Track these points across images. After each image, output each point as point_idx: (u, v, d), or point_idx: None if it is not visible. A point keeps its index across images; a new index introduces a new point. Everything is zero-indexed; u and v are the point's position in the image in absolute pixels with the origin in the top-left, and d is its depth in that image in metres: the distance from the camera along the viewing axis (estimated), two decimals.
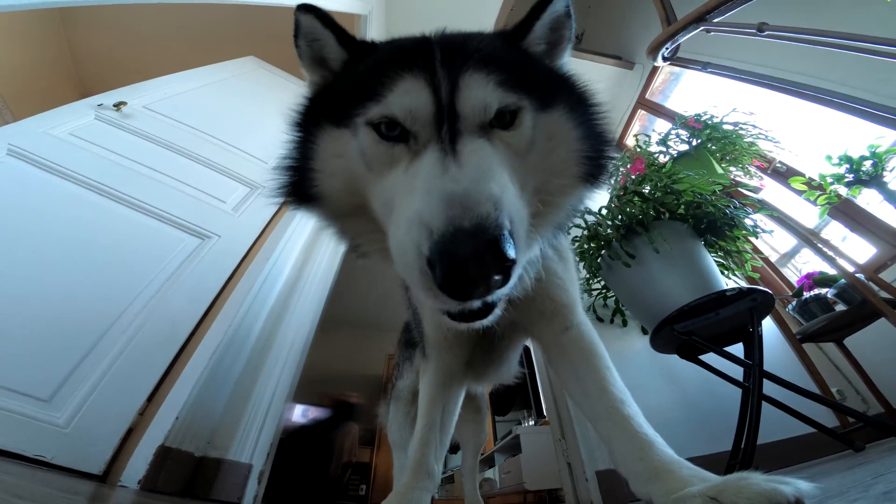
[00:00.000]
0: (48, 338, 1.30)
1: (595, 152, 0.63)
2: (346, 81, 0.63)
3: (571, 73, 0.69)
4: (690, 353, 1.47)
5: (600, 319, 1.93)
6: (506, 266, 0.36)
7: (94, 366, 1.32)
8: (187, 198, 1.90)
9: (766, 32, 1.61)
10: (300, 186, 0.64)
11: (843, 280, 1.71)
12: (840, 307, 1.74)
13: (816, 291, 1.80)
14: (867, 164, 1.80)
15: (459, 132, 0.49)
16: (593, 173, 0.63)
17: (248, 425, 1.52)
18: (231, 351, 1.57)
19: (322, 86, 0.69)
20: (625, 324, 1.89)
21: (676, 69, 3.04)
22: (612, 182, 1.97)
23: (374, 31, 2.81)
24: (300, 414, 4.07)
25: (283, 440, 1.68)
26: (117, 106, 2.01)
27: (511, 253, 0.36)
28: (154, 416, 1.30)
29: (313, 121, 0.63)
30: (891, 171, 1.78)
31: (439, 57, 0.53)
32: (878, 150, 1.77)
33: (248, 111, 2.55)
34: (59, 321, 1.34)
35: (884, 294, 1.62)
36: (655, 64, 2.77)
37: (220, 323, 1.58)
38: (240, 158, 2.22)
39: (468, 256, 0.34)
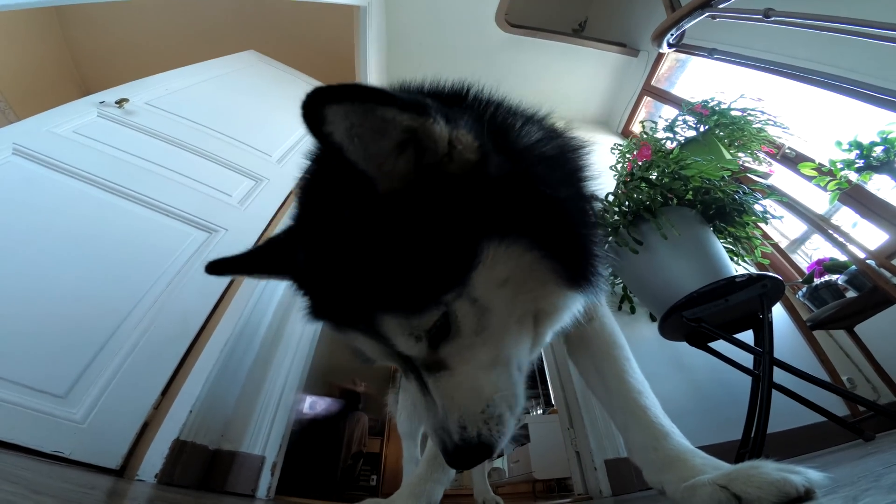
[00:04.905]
0: (61, 335, 1.31)
1: (569, 262, 0.51)
2: None
3: (474, 142, 0.44)
4: (699, 341, 1.46)
5: None
6: (488, 455, 0.49)
7: (107, 361, 1.33)
8: (193, 192, 1.90)
9: (773, 18, 1.58)
10: None
11: (853, 266, 1.69)
12: (851, 294, 1.72)
13: (827, 278, 1.79)
14: (878, 150, 1.78)
15: (419, 371, 0.51)
16: (578, 283, 0.52)
17: (260, 417, 1.53)
18: (241, 343, 1.58)
19: None
20: (633, 311, 1.88)
21: (682, 56, 2.99)
22: (619, 169, 1.95)
23: (374, 23, 2.77)
24: (310, 405, 4.09)
25: (294, 431, 1.69)
26: (119, 103, 2.01)
27: (490, 442, 0.48)
28: (168, 410, 1.30)
29: None
30: None
31: (350, 308, 0.48)
32: (889, 136, 1.75)
33: (250, 105, 2.54)
34: (71, 318, 1.35)
35: (895, 280, 1.60)
36: (661, 51, 2.72)
37: (229, 316, 1.58)
38: (244, 152, 2.22)
39: (460, 461, 0.48)
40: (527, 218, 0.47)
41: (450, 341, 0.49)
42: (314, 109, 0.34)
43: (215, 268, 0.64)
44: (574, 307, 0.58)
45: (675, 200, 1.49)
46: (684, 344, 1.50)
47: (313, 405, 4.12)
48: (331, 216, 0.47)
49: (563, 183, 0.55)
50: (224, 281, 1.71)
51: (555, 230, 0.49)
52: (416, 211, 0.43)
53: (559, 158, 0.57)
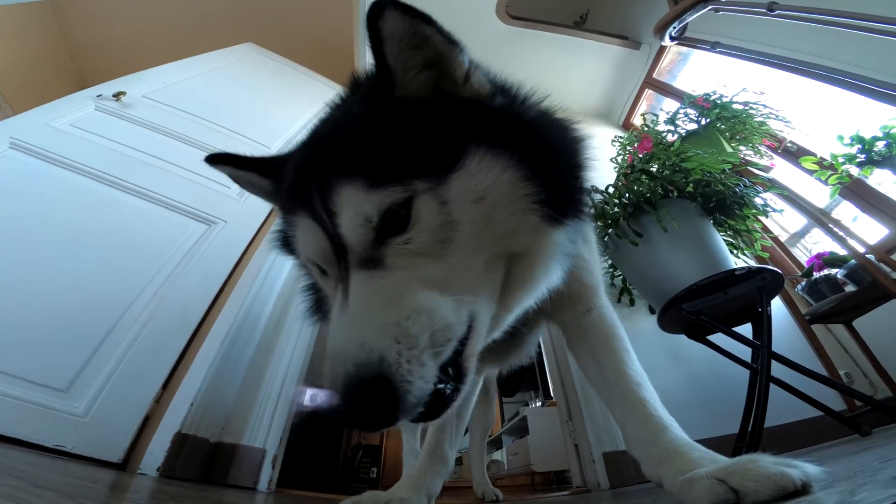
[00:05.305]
0: (62, 328, 1.32)
1: (551, 187, 0.49)
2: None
3: (487, 83, 0.52)
4: (698, 333, 1.46)
5: None
6: (391, 408, 0.37)
7: (109, 354, 1.34)
8: (192, 184, 1.89)
9: (777, 12, 1.57)
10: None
11: (853, 261, 1.69)
12: (850, 288, 1.72)
13: (826, 272, 1.79)
14: (880, 145, 1.77)
15: (349, 267, 0.44)
16: (560, 212, 0.50)
17: (261, 410, 1.53)
18: (242, 335, 1.59)
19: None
20: (632, 303, 1.88)
21: (684, 49, 2.97)
22: (620, 161, 1.95)
23: None
24: (310, 397, 4.12)
25: (295, 424, 1.70)
26: (117, 96, 2.00)
27: (394, 378, 0.36)
28: (169, 403, 1.31)
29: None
30: None
31: (314, 178, 0.45)
32: (891, 131, 1.74)
33: (248, 97, 2.53)
34: (71, 311, 1.35)
35: (895, 275, 1.60)
36: (663, 44, 2.71)
37: (230, 308, 1.58)
38: (243, 143, 2.21)
39: (345, 411, 0.37)
40: (518, 144, 0.49)
41: (400, 236, 0.43)
42: (379, 7, 0.43)
43: (214, 158, 0.69)
44: (551, 262, 0.54)
45: (675, 193, 1.48)
46: (683, 337, 1.50)
47: (313, 397, 4.14)
48: (338, 112, 0.54)
49: (558, 143, 0.55)
50: (224, 272, 1.71)
51: (543, 161, 0.50)
52: (417, 109, 0.49)
53: (555, 143, 0.57)
